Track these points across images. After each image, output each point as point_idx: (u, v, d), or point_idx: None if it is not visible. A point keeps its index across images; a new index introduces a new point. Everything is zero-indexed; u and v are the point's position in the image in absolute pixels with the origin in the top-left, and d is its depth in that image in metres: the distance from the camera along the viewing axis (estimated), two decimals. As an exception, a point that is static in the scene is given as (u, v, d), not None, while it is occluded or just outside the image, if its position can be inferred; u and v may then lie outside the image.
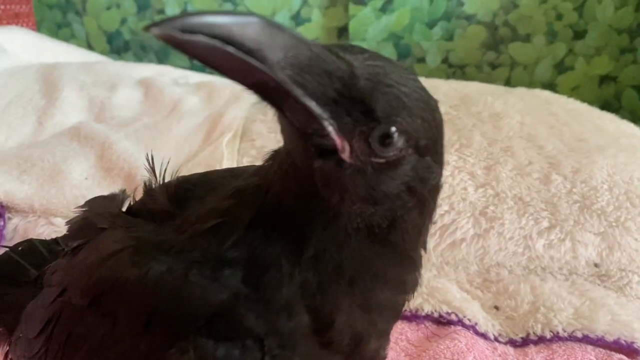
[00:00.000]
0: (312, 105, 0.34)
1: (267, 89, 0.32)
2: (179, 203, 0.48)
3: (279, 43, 0.31)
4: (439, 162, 0.42)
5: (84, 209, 0.54)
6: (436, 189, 0.43)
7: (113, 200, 0.54)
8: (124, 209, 0.52)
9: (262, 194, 0.41)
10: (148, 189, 0.51)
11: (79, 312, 0.45)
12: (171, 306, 0.40)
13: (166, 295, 0.40)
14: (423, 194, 0.40)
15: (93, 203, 0.55)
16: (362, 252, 0.40)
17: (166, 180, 0.51)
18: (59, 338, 0.47)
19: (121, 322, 0.42)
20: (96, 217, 0.51)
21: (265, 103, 0.34)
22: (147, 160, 0.51)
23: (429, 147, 0.40)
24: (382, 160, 0.37)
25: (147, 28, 0.28)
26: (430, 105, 0.39)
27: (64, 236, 0.57)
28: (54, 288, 0.50)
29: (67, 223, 0.55)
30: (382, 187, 0.38)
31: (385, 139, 0.36)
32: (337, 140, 0.35)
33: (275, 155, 0.42)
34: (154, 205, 0.49)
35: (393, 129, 0.36)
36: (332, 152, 0.36)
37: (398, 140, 0.37)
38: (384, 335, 0.48)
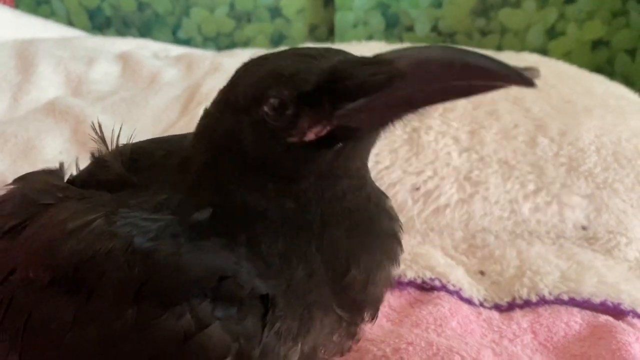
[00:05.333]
0: None
1: None
2: (135, 170, 0.46)
3: None
4: None
5: (16, 186, 0.49)
6: None
7: (53, 174, 0.50)
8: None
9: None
10: (98, 159, 0.49)
11: (40, 292, 0.42)
12: (167, 275, 0.38)
13: (160, 264, 0.39)
14: None
15: (29, 179, 0.50)
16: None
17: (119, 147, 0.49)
18: (14, 325, 0.43)
19: (100, 296, 0.39)
20: (37, 193, 0.47)
21: None
22: (94, 128, 0.49)
23: None
24: None
25: None
26: None
27: None
28: None
29: None
30: None
31: None
32: None
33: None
34: (106, 174, 0.46)
35: None
36: None
37: None
38: (388, 270, 0.48)
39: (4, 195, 0.49)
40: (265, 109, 0.38)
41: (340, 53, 0.39)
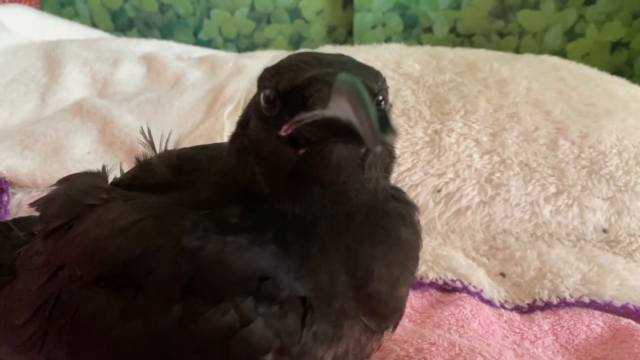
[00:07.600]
0: None
1: None
2: (180, 174, 0.48)
3: None
4: None
5: (60, 187, 0.51)
6: None
7: (97, 176, 0.52)
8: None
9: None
10: (143, 163, 0.51)
11: (87, 288, 0.43)
12: (213, 273, 0.40)
13: (207, 262, 0.40)
14: None
15: (73, 180, 0.52)
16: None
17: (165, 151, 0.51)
18: (61, 319, 0.45)
19: (147, 292, 0.41)
20: (82, 194, 0.48)
21: None
22: (143, 134, 0.51)
23: None
24: None
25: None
26: None
27: (40, 216, 0.52)
28: (43, 269, 0.48)
29: (35, 204, 0.52)
30: None
31: None
32: None
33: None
34: (151, 178, 0.48)
35: None
36: None
37: None
38: (409, 281, 0.49)
39: (48, 196, 0.51)
40: (261, 97, 0.40)
41: (357, 68, 0.40)
